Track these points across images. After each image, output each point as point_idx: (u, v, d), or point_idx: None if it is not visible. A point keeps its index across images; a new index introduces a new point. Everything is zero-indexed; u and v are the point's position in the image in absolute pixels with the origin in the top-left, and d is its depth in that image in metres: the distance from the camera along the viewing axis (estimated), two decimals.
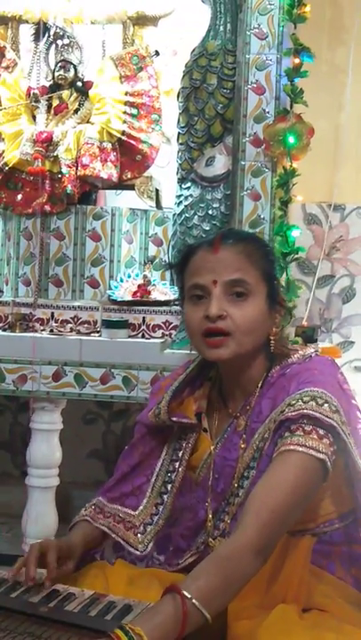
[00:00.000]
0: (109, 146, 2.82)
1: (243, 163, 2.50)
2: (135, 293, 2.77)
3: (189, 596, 1.11)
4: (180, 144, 2.62)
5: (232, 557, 1.18)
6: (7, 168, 2.88)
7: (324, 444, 1.26)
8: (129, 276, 2.84)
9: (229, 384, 1.46)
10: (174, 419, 1.46)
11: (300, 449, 1.25)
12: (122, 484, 1.53)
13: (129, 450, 1.56)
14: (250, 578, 1.21)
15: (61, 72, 2.90)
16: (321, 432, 1.27)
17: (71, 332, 2.72)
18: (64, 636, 1.14)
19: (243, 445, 1.39)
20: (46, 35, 2.95)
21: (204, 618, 1.12)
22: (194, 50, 2.60)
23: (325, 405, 1.28)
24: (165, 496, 1.47)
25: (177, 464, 1.48)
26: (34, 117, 2.93)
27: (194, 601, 1.11)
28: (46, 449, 2.60)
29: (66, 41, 2.93)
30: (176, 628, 1.09)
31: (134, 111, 2.85)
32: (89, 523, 1.50)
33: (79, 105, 2.91)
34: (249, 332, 1.37)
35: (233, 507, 1.38)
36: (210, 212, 2.55)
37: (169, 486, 1.48)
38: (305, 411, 1.27)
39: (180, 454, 1.48)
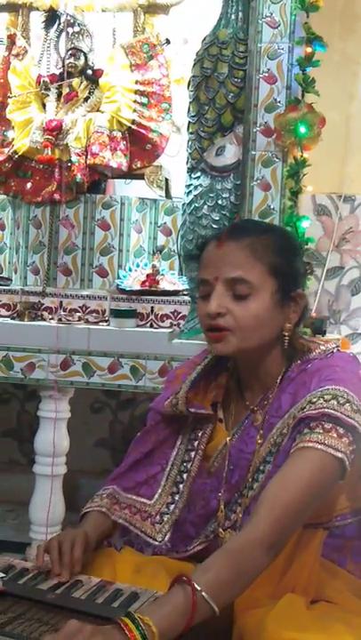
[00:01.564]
0: (119, 134, 2.82)
1: (253, 152, 2.49)
2: (144, 283, 2.77)
3: (199, 588, 1.11)
4: (191, 133, 2.61)
5: (243, 551, 1.18)
6: (17, 156, 2.88)
7: (343, 443, 1.25)
8: (138, 266, 2.84)
9: (247, 376, 1.45)
10: (192, 409, 1.45)
11: (319, 446, 1.24)
12: (135, 473, 1.52)
13: (142, 436, 1.55)
14: (260, 572, 1.20)
15: (72, 60, 2.89)
16: (341, 431, 1.26)
17: (79, 321, 2.72)
18: None
19: (259, 440, 1.38)
20: (57, 22, 2.94)
21: (212, 610, 1.12)
22: (205, 38, 2.59)
23: (347, 405, 1.27)
24: (181, 485, 1.46)
25: (193, 453, 1.47)
26: (44, 105, 2.92)
27: (203, 593, 1.11)
28: (54, 437, 2.61)
29: (76, 29, 2.92)
30: (184, 619, 1.10)
31: (144, 100, 2.84)
32: (103, 514, 1.49)
33: (89, 93, 2.90)
34: (251, 329, 1.35)
35: (246, 499, 1.38)
36: (219, 201, 2.54)
37: (185, 475, 1.47)
38: (326, 410, 1.26)
39: (196, 444, 1.47)
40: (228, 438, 1.44)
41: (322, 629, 1.19)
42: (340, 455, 1.24)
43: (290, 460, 1.26)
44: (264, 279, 1.35)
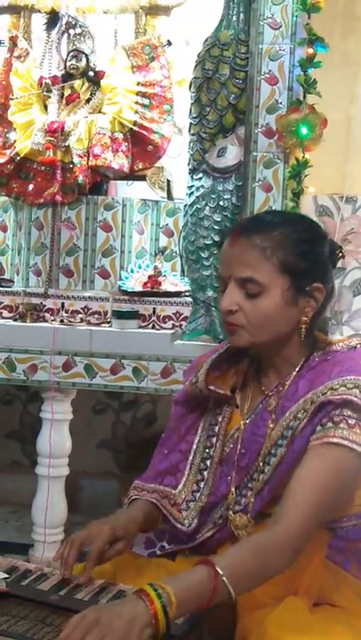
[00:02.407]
0: (121, 136, 2.82)
1: (255, 154, 2.49)
2: (146, 284, 2.77)
3: (221, 572, 1.12)
4: (192, 135, 2.61)
5: (269, 549, 1.19)
6: (19, 158, 2.88)
7: None
8: (140, 267, 2.84)
9: (266, 363, 1.45)
10: (211, 387, 1.46)
11: (345, 442, 1.25)
12: (159, 464, 1.53)
13: (167, 434, 1.55)
14: (282, 572, 1.22)
15: (73, 62, 2.90)
16: None
17: (81, 322, 2.73)
18: None
19: (271, 425, 1.38)
20: (58, 24, 2.95)
21: (228, 595, 1.13)
22: (206, 40, 2.59)
23: None
24: (206, 472, 1.47)
25: (214, 439, 1.47)
26: (46, 107, 2.93)
27: (224, 578, 1.12)
28: (56, 438, 2.61)
29: (78, 30, 2.93)
30: (202, 597, 1.11)
31: (146, 101, 2.85)
32: (140, 499, 1.49)
33: (91, 95, 2.91)
34: (262, 326, 1.36)
35: (257, 483, 1.37)
36: (221, 203, 2.54)
37: (208, 462, 1.47)
38: (349, 397, 1.26)
39: (217, 429, 1.48)
40: (241, 422, 1.45)
41: (323, 632, 1.19)
42: None
43: (315, 457, 1.27)
44: (274, 278, 1.35)
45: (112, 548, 1.35)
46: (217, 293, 2.41)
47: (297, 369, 1.40)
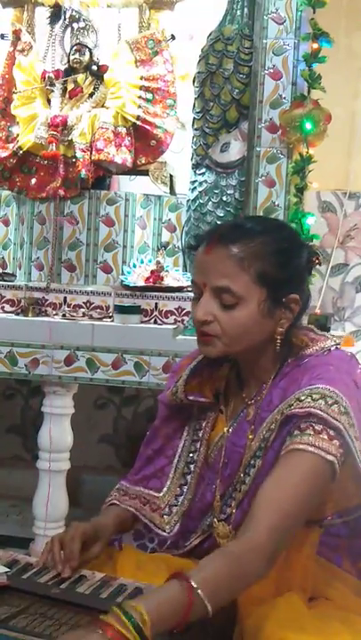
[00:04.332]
0: (124, 130, 2.81)
1: (258, 149, 2.49)
2: (148, 279, 2.77)
3: (195, 586, 1.09)
4: (195, 129, 2.61)
5: (242, 558, 1.17)
6: (21, 152, 2.88)
7: (334, 446, 1.24)
8: (142, 262, 2.83)
9: (244, 371, 1.45)
10: (191, 397, 1.45)
11: (311, 449, 1.23)
12: (144, 467, 1.53)
13: (151, 434, 1.55)
14: (258, 579, 1.20)
15: (77, 56, 2.89)
16: (332, 433, 1.24)
17: (83, 316, 2.72)
18: (75, 618, 1.15)
19: (250, 435, 1.38)
20: (62, 18, 2.94)
21: (205, 610, 1.10)
22: (210, 34, 2.58)
23: (335, 406, 1.25)
24: (189, 477, 1.47)
25: (198, 444, 1.47)
26: (49, 101, 2.92)
27: (199, 591, 1.09)
28: (57, 433, 2.61)
29: (81, 24, 2.91)
30: (178, 613, 1.07)
31: (149, 96, 2.84)
32: (118, 505, 1.50)
33: (94, 89, 2.90)
34: (237, 337, 1.34)
35: (239, 494, 1.37)
36: (224, 198, 2.54)
37: (192, 467, 1.47)
38: (313, 409, 1.25)
39: (201, 434, 1.47)
40: (225, 429, 1.44)
41: (320, 629, 1.19)
42: (330, 458, 1.23)
43: (282, 463, 1.25)
44: (251, 289, 1.32)
45: (92, 548, 1.37)
46: None
47: (272, 377, 1.39)
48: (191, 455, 1.48)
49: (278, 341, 1.36)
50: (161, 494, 1.47)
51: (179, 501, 1.46)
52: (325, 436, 1.24)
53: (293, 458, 1.24)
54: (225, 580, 1.14)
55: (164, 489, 1.48)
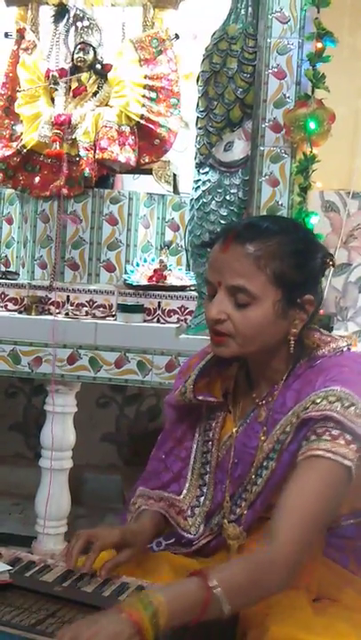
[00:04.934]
0: (128, 129, 2.81)
1: (262, 148, 2.48)
2: (151, 278, 2.77)
3: (214, 584, 1.10)
4: (199, 128, 2.61)
5: (264, 567, 1.17)
6: (25, 150, 2.88)
7: (351, 451, 1.24)
8: (145, 261, 2.84)
9: (255, 371, 1.44)
10: (200, 397, 1.45)
11: (328, 455, 1.23)
12: (161, 474, 1.51)
13: (163, 438, 1.55)
14: (280, 590, 1.20)
15: (81, 54, 2.89)
16: (348, 437, 1.24)
17: (87, 315, 2.73)
18: (78, 615, 1.15)
19: (263, 437, 1.37)
20: (66, 16, 2.94)
21: (221, 611, 1.11)
22: (214, 33, 2.58)
23: (351, 408, 1.25)
24: (206, 477, 1.46)
25: (210, 444, 1.47)
26: (52, 100, 2.92)
27: (217, 590, 1.10)
28: (60, 431, 2.62)
29: (85, 23, 2.91)
30: (194, 609, 1.09)
31: (153, 95, 2.84)
32: (147, 510, 1.48)
33: (98, 88, 2.91)
34: (251, 337, 1.33)
35: (251, 494, 1.37)
36: (227, 197, 2.54)
37: (207, 467, 1.46)
38: (329, 412, 1.24)
39: (211, 434, 1.47)
40: (234, 429, 1.44)
41: (325, 628, 1.19)
42: (348, 463, 1.23)
43: (301, 470, 1.25)
44: (266, 289, 1.31)
45: (119, 554, 1.34)
46: None
47: (284, 378, 1.38)
48: (205, 455, 1.47)
49: (292, 342, 1.35)
50: (181, 497, 1.46)
51: (200, 502, 1.45)
52: (342, 441, 1.24)
53: (314, 466, 1.24)
54: (243, 586, 1.15)
55: (184, 491, 1.46)
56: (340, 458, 1.23)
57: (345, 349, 1.37)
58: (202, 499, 1.45)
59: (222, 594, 1.10)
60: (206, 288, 1.40)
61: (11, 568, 1.29)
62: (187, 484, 1.47)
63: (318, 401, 1.26)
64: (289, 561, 1.18)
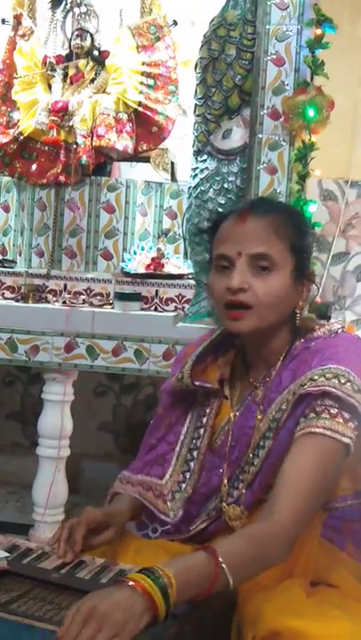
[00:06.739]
0: (125, 117, 2.80)
1: (260, 136, 2.47)
2: (149, 266, 2.76)
3: (221, 560, 1.11)
4: (197, 116, 2.59)
5: (265, 540, 1.19)
6: (22, 137, 2.87)
7: (349, 428, 1.26)
8: (142, 249, 2.83)
9: (252, 354, 1.45)
10: (197, 383, 1.46)
11: (328, 432, 1.25)
12: (146, 454, 1.53)
13: (155, 423, 1.55)
14: (279, 562, 1.22)
15: (78, 41, 2.88)
16: (346, 415, 1.27)
17: (84, 303, 2.72)
18: (76, 602, 1.15)
19: (259, 416, 1.39)
20: (63, 3, 2.92)
21: (227, 584, 1.12)
22: (213, 20, 2.56)
23: (348, 384, 1.27)
24: (192, 463, 1.47)
25: (201, 430, 1.48)
26: (50, 86, 2.91)
27: (223, 565, 1.11)
28: (57, 420, 2.61)
29: (83, 9, 2.90)
30: (203, 582, 1.09)
31: (151, 82, 2.83)
32: (122, 494, 1.51)
33: (95, 74, 2.89)
34: (271, 306, 1.35)
35: (248, 475, 1.38)
36: (225, 185, 2.53)
37: (195, 453, 1.47)
38: (327, 388, 1.27)
39: (205, 420, 1.48)
40: (232, 414, 1.45)
41: (319, 616, 1.19)
42: (346, 440, 1.26)
43: (300, 446, 1.27)
44: (285, 256, 1.36)
45: (102, 534, 1.37)
46: None
47: (281, 358, 1.40)
48: (194, 441, 1.48)
49: (298, 315, 1.40)
50: (163, 481, 1.47)
51: (181, 487, 1.46)
52: (341, 419, 1.26)
53: (312, 442, 1.26)
54: (246, 560, 1.16)
55: (167, 475, 1.48)
56: (338, 435, 1.25)
57: (339, 331, 1.40)
58: (183, 485, 1.46)
59: (227, 567, 1.11)
60: (215, 266, 1.40)
61: (8, 555, 1.29)
62: (170, 469, 1.48)
63: (316, 378, 1.29)
64: (287, 535, 1.21)
